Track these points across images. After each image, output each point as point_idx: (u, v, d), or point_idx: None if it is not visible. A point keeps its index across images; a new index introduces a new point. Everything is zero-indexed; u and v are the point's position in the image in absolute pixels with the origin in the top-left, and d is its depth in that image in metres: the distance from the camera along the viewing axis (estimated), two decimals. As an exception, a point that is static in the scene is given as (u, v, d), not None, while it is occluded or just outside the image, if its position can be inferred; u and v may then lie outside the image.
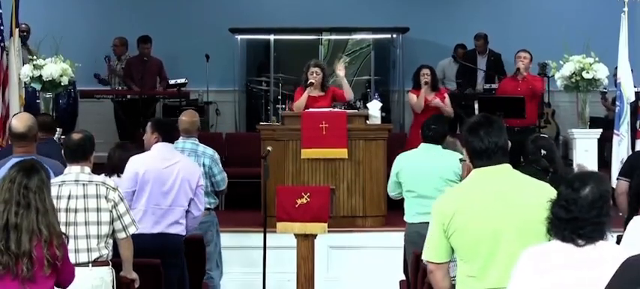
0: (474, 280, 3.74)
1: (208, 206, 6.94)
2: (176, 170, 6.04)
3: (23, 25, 9.55)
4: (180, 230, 6.05)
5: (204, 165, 6.88)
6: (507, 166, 3.83)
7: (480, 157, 3.81)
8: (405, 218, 6.43)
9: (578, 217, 3.20)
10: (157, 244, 5.78)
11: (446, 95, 9.58)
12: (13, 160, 5.18)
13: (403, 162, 6.47)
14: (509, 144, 4.01)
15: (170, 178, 6.00)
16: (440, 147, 6.35)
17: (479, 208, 3.74)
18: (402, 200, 6.48)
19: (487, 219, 3.72)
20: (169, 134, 6.24)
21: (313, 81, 8.86)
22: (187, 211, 6.11)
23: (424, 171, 6.29)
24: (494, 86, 11.14)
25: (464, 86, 11.71)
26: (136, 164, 6.01)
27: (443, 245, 3.82)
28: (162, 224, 5.97)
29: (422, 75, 9.42)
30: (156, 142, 6.17)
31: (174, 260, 5.92)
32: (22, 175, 4.07)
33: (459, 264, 3.85)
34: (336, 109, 8.80)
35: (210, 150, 6.99)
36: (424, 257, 3.93)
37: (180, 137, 6.98)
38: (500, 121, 3.97)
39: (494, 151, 3.78)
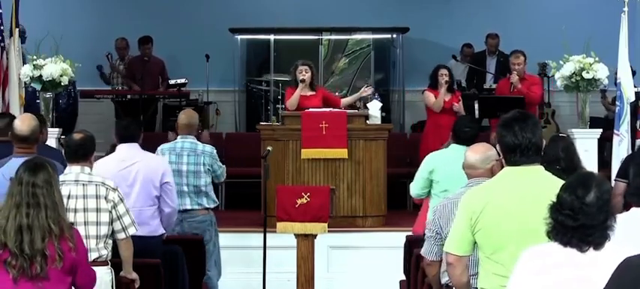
0: (498, 278, 3.74)
1: (207, 206, 6.96)
2: (134, 170, 6.00)
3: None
4: (148, 231, 5.90)
5: (204, 164, 6.90)
6: (539, 167, 3.83)
7: (512, 153, 3.81)
8: None
9: (585, 224, 3.14)
10: None
11: (460, 98, 9.55)
12: (14, 160, 5.20)
13: (437, 161, 6.32)
14: (544, 141, 4.01)
15: (128, 180, 5.93)
16: None
17: (508, 207, 3.75)
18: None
19: (515, 219, 3.72)
20: (126, 134, 6.12)
21: (305, 78, 8.84)
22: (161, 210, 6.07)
23: (460, 171, 6.23)
24: (493, 86, 11.11)
25: (470, 87, 11.66)
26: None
27: (467, 239, 3.84)
28: None
29: (440, 76, 9.30)
30: (117, 144, 6.13)
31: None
32: (29, 174, 4.10)
33: (482, 260, 3.84)
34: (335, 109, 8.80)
35: (208, 148, 7.00)
36: (446, 248, 3.94)
37: (179, 136, 7.00)
38: (535, 118, 3.97)
39: (527, 147, 3.79)
